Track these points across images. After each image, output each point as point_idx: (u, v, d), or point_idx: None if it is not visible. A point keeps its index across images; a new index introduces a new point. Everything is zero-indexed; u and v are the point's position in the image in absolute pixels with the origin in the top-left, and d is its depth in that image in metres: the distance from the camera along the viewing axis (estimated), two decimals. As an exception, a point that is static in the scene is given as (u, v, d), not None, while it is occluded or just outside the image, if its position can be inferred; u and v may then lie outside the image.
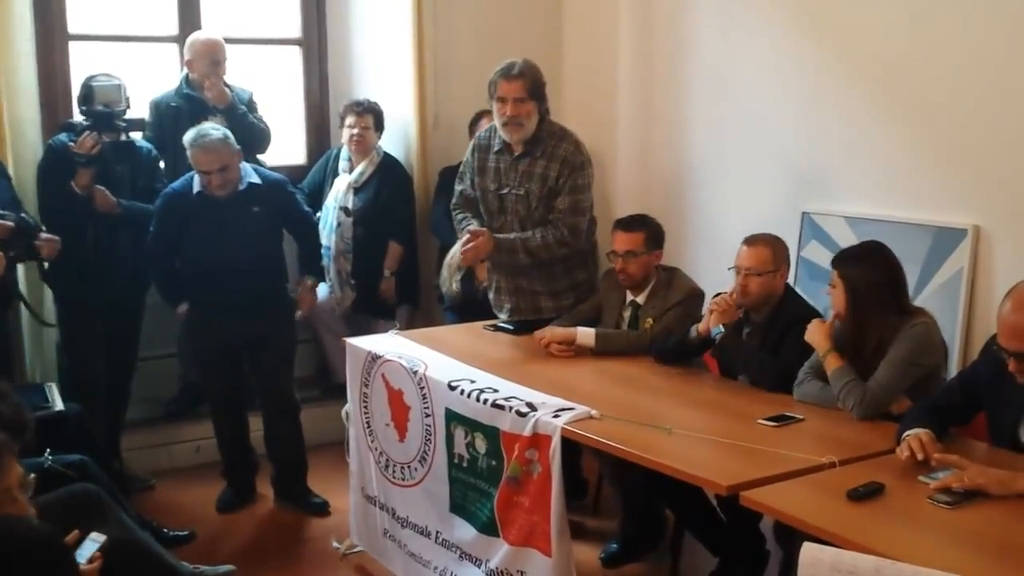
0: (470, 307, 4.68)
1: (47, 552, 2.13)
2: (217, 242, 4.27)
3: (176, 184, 4.36)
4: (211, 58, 4.81)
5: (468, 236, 4.11)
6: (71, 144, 4.16)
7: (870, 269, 3.15)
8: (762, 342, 3.51)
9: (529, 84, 4.04)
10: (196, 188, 4.27)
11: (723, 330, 3.50)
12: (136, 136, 4.52)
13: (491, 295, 4.40)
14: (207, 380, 4.57)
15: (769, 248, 3.59)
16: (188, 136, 4.23)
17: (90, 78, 4.33)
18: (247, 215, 4.31)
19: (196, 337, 4.51)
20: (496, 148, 4.21)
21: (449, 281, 4.60)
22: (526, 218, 4.17)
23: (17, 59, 4.38)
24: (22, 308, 4.33)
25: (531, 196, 4.13)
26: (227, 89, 4.81)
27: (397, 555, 3.81)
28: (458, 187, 4.41)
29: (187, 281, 4.42)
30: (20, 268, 4.25)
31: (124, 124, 4.29)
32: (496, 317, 4.38)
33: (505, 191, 4.19)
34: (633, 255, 3.91)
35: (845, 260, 3.21)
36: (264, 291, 4.40)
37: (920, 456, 2.63)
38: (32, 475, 2.51)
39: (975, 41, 3.84)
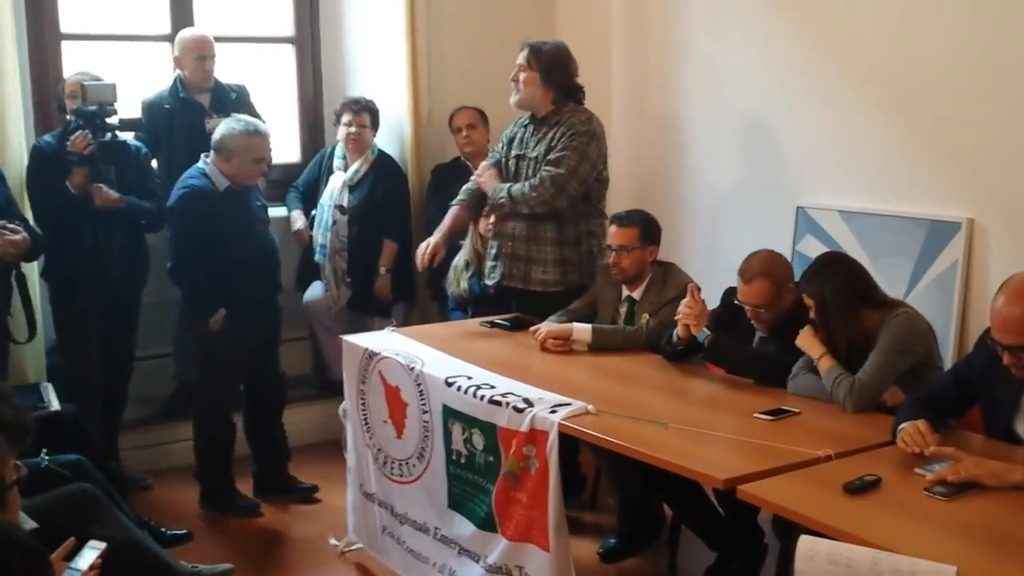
0: (479, 306, 4.69)
1: (28, 558, 2.12)
2: (249, 237, 4.33)
3: (193, 182, 4.25)
4: (198, 53, 4.81)
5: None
6: (66, 144, 4.14)
7: (830, 279, 3.20)
8: (781, 347, 3.46)
9: (533, 55, 4.27)
10: (223, 184, 4.26)
11: (708, 333, 3.50)
12: (127, 135, 4.49)
13: (488, 263, 4.48)
14: (226, 383, 4.45)
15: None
16: (242, 126, 4.26)
17: (80, 76, 4.33)
18: (258, 208, 4.44)
19: (227, 339, 4.32)
20: (527, 121, 4.40)
21: (456, 282, 4.65)
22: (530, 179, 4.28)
23: (4, 58, 4.35)
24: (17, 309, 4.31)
25: (538, 158, 4.25)
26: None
27: (396, 552, 3.81)
28: (495, 153, 4.58)
29: (222, 282, 4.27)
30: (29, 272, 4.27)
31: (116, 124, 4.24)
32: (498, 311, 4.41)
33: (520, 154, 4.34)
34: (626, 250, 3.92)
35: (806, 280, 3.26)
36: (278, 283, 4.54)
37: (918, 447, 2.64)
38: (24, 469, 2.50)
39: (968, 35, 3.84)
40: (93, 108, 4.16)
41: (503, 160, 4.45)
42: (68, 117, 4.26)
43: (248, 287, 4.31)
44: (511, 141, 4.44)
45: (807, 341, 3.24)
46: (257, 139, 4.28)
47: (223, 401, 4.48)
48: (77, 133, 4.13)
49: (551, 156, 4.19)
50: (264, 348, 4.51)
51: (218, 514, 4.44)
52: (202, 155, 4.34)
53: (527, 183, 4.21)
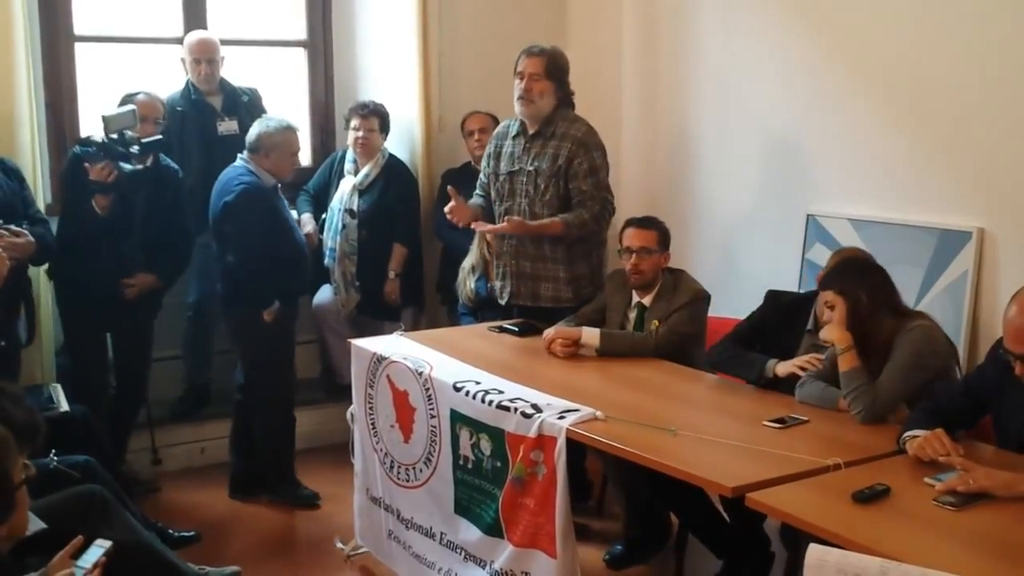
0: (487, 310, 4.69)
1: None
2: (294, 231, 4.50)
3: (246, 179, 4.30)
4: (205, 57, 4.84)
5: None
6: (86, 165, 4.10)
7: (869, 279, 3.18)
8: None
9: (547, 63, 4.17)
10: (271, 181, 4.37)
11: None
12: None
13: (496, 283, 4.45)
14: (287, 377, 4.56)
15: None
16: (276, 123, 4.39)
17: (130, 96, 4.37)
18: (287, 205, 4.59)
19: (284, 333, 4.46)
20: (514, 133, 4.32)
21: (464, 284, 4.65)
22: (535, 199, 4.22)
23: (16, 59, 4.36)
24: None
25: (540, 175, 4.19)
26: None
27: (402, 556, 3.81)
28: (481, 176, 4.52)
29: (276, 276, 4.36)
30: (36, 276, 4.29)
31: (138, 150, 4.18)
32: (505, 316, 4.41)
33: (516, 170, 4.26)
34: (647, 252, 3.92)
35: (843, 277, 3.22)
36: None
37: (937, 453, 2.62)
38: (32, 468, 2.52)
39: (980, 43, 3.84)
40: (114, 138, 4.10)
41: (491, 177, 4.38)
42: (90, 149, 4.14)
43: (295, 281, 4.47)
44: (497, 156, 4.36)
45: (835, 332, 3.16)
46: (292, 133, 4.43)
47: (286, 393, 4.56)
48: (100, 164, 4.08)
49: (584, 185, 4.13)
50: None
51: (282, 503, 4.53)
52: (238, 155, 4.40)
53: (583, 212, 4.13)
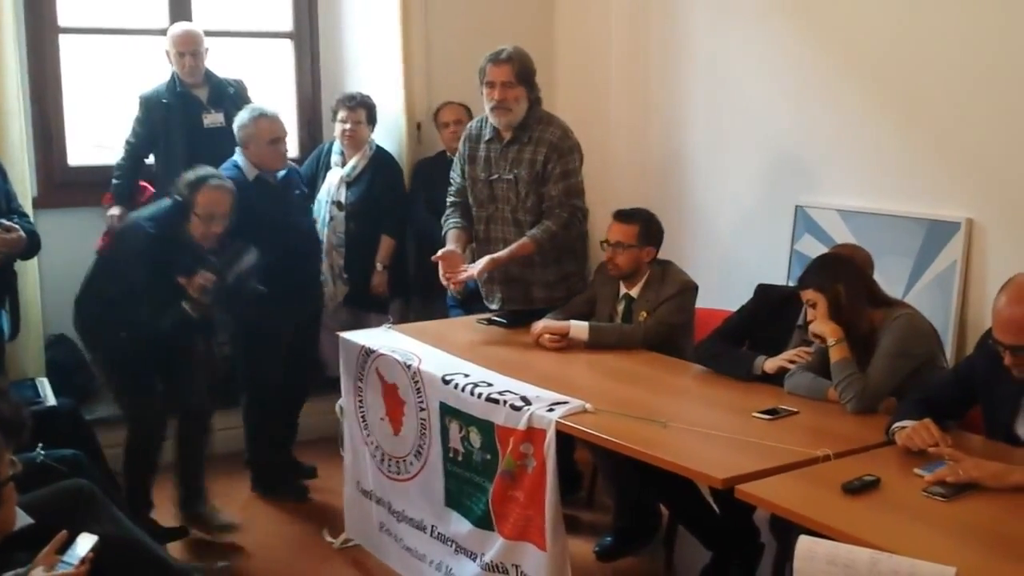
0: (475, 302, 4.66)
1: None
2: (287, 225, 4.40)
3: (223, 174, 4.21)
4: (189, 49, 4.80)
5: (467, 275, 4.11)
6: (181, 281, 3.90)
7: (844, 276, 3.20)
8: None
9: (517, 69, 4.06)
10: (253, 173, 4.30)
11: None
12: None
13: (481, 286, 4.40)
14: (266, 377, 4.47)
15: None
16: (248, 113, 4.31)
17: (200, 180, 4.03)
18: (297, 197, 4.55)
19: (268, 327, 4.38)
20: (487, 137, 4.22)
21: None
22: (517, 206, 4.17)
23: (5, 52, 4.33)
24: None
25: (520, 182, 4.13)
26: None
27: (393, 549, 3.81)
28: (453, 176, 4.43)
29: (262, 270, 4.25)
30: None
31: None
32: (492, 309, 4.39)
33: (495, 177, 4.20)
34: (622, 246, 3.90)
35: (818, 274, 3.24)
36: (319, 270, 4.72)
37: (925, 443, 2.63)
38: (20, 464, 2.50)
39: (968, 33, 3.84)
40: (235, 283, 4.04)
41: (469, 183, 4.28)
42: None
43: (286, 274, 4.33)
44: (472, 160, 4.26)
45: (827, 326, 3.17)
46: (264, 122, 4.30)
47: (265, 389, 4.50)
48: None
49: (554, 190, 4.06)
50: (301, 334, 4.58)
51: (270, 498, 4.53)
52: (236, 148, 4.37)
53: (550, 225, 4.05)
